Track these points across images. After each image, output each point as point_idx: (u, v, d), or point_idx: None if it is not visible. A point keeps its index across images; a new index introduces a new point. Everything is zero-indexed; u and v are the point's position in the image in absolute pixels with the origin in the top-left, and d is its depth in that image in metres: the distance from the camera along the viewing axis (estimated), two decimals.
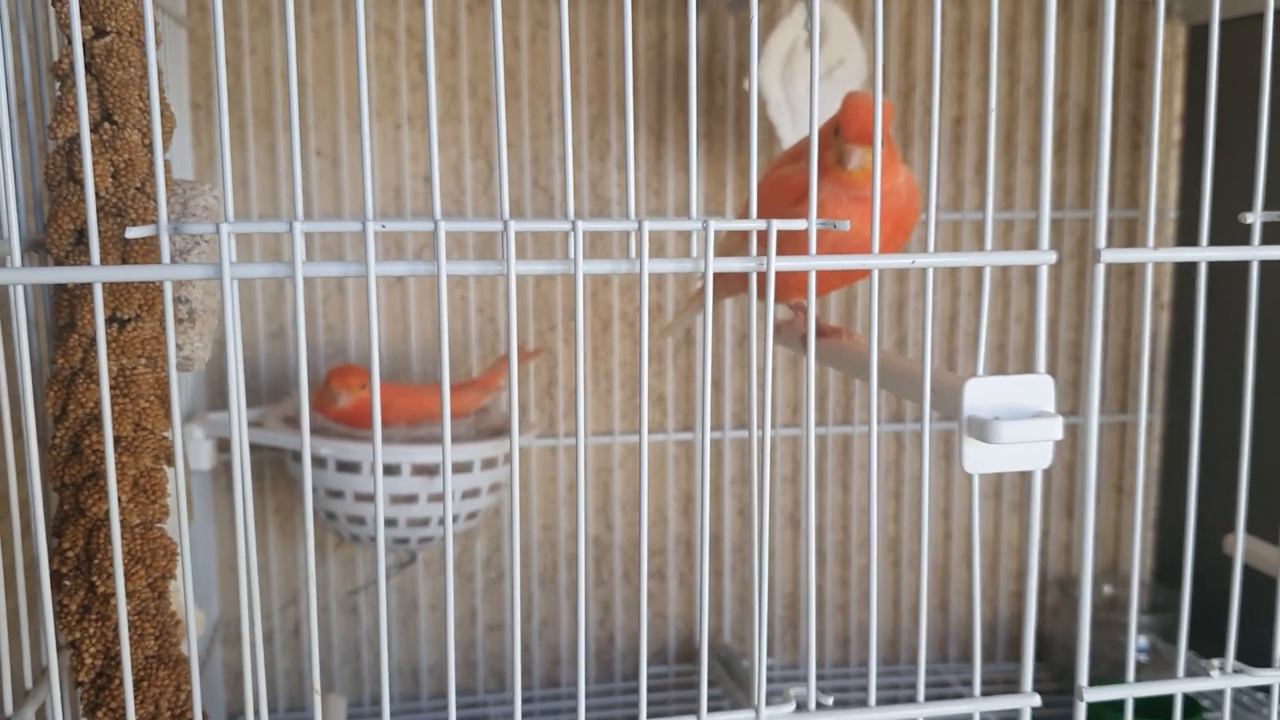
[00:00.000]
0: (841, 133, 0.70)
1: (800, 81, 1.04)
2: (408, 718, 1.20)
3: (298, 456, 0.99)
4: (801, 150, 0.79)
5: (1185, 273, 1.27)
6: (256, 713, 0.53)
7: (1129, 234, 1.27)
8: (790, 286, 0.80)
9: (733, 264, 0.54)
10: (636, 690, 1.25)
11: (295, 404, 1.01)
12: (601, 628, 1.26)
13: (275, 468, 1.15)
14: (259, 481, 1.16)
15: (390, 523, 0.96)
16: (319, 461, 0.96)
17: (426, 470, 0.95)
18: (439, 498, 0.96)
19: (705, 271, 0.53)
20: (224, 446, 1.13)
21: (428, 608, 1.21)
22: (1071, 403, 1.28)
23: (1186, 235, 1.25)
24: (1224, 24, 1.15)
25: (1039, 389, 0.56)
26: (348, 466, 0.95)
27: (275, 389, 1.14)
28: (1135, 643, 0.61)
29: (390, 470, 0.95)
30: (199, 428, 0.98)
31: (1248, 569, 0.91)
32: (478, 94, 1.15)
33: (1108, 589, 1.29)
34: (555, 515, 1.22)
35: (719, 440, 1.23)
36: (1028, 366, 1.24)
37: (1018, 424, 0.54)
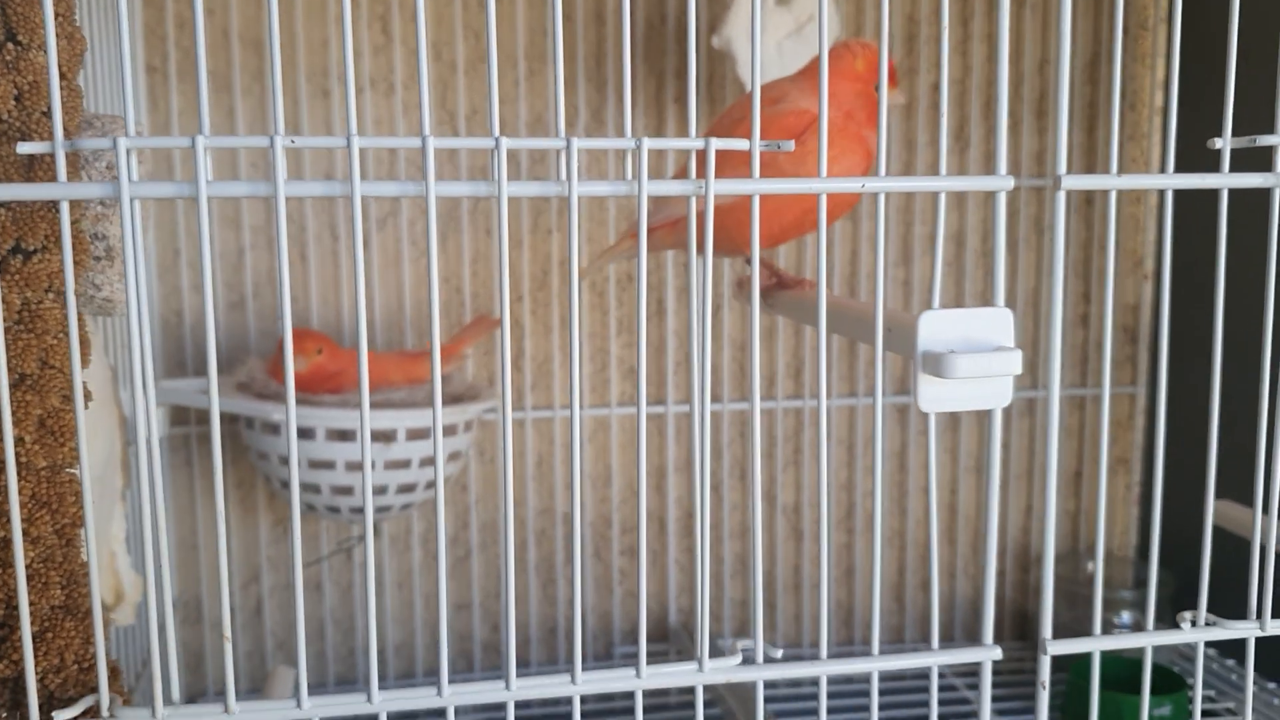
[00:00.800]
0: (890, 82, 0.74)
1: (769, 39, 1.01)
2: None
3: (250, 423, 0.96)
4: (792, 89, 0.77)
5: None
6: (167, 686, 0.50)
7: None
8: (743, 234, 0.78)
9: (670, 187, 0.51)
10: (609, 669, 1.22)
11: (248, 370, 0.98)
12: (571, 606, 1.22)
13: (233, 441, 1.12)
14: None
15: (346, 491, 0.93)
16: (273, 429, 0.93)
17: (382, 436, 0.92)
18: (395, 464, 0.93)
19: (639, 194, 0.50)
20: (178, 417, 1.10)
21: (394, 585, 1.18)
22: (1045, 378, 1.24)
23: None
24: None
25: (997, 322, 0.53)
26: (302, 433, 0.92)
27: (234, 360, 1.10)
28: (1100, 606, 0.58)
29: (345, 436, 0.92)
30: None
31: (1233, 536, 0.88)
32: (442, 58, 1.12)
33: (1091, 565, 1.26)
34: (524, 490, 1.19)
35: (689, 414, 1.20)
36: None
37: (975, 357, 0.51)
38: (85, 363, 0.56)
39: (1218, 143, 0.54)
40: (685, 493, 1.22)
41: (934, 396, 0.53)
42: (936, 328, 0.53)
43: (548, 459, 1.19)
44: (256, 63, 1.09)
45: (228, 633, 0.49)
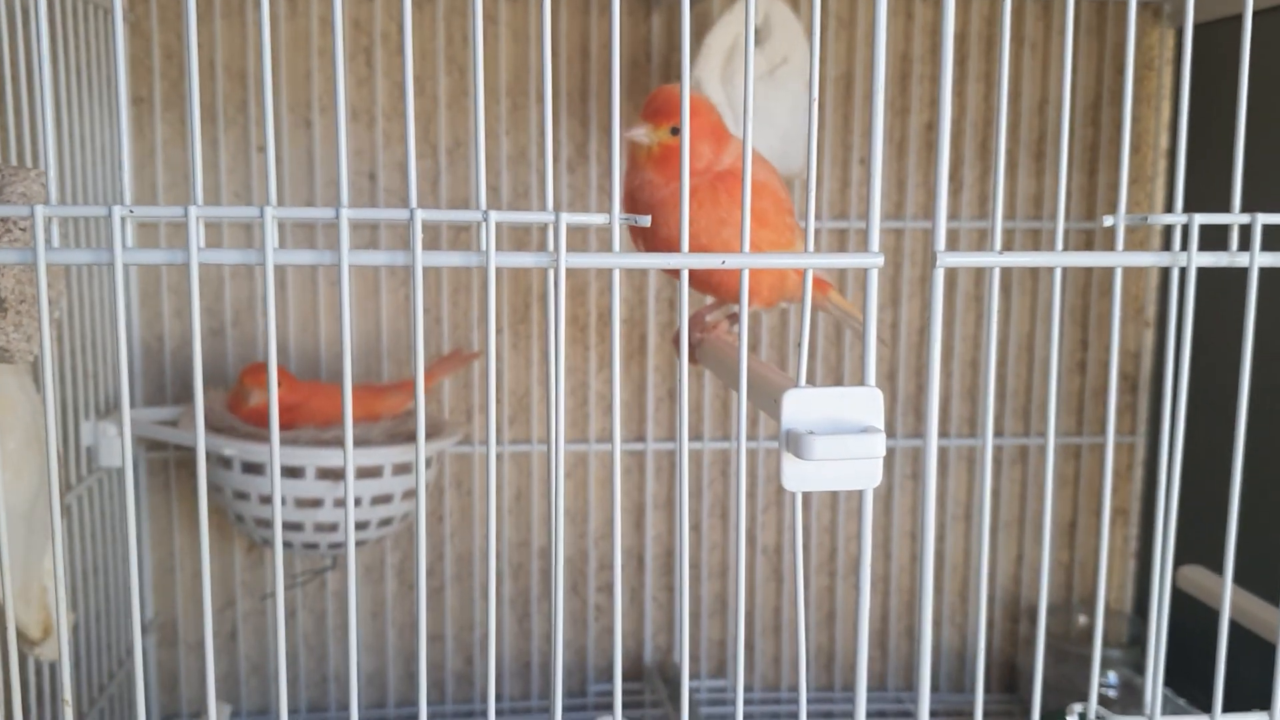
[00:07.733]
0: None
1: (741, 80, 0.99)
2: None
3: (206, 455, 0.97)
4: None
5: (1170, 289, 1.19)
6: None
7: (1108, 244, 1.20)
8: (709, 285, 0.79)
9: (523, 259, 0.50)
10: (583, 707, 1.22)
11: (210, 402, 0.99)
12: (547, 642, 1.22)
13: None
14: (192, 480, 1.14)
15: (297, 527, 0.94)
16: (225, 462, 0.94)
17: (333, 474, 0.92)
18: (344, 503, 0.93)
19: (488, 265, 0.49)
20: (153, 445, 1.11)
21: (368, 614, 1.18)
22: (1038, 424, 1.21)
23: (1171, 243, 1.18)
24: (1216, 24, 1.09)
25: (867, 402, 0.51)
26: (253, 468, 0.93)
27: (208, 387, 1.12)
28: (980, 681, 0.56)
29: (294, 473, 0.92)
30: (112, 424, 0.96)
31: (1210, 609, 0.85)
32: (425, 91, 1.12)
33: (1083, 619, 1.22)
34: (500, 524, 1.19)
35: (671, 452, 1.19)
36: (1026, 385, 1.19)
37: (833, 440, 0.50)
38: None
39: (1107, 220, 0.52)
40: (664, 530, 1.21)
41: (798, 475, 0.51)
42: (801, 406, 0.51)
43: (525, 493, 1.19)
44: (241, 93, 1.10)
45: (67, 697, 0.49)
